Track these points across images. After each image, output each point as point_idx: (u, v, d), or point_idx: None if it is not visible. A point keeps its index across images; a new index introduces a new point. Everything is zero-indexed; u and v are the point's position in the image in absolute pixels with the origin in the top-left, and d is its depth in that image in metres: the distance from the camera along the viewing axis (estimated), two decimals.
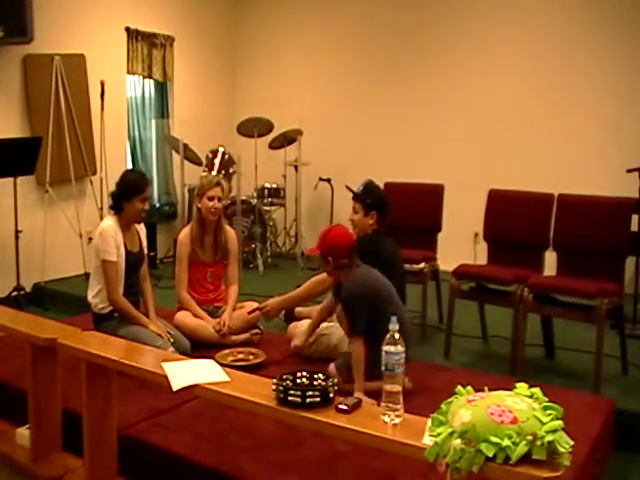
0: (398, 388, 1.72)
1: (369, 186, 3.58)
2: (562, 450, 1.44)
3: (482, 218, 4.09)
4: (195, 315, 3.70)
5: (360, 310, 2.83)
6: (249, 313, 3.71)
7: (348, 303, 2.92)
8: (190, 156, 6.33)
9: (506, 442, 1.43)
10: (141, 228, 3.61)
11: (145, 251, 3.63)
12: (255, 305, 3.82)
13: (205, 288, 3.84)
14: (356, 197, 3.53)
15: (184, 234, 3.81)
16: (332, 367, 3.03)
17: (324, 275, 3.44)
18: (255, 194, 6.34)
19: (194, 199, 3.92)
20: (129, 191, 3.39)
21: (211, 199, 3.72)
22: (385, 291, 2.91)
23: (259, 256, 6.11)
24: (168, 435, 2.57)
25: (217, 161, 6.13)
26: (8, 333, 2.87)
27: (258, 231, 6.19)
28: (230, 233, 3.89)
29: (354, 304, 2.87)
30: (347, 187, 3.75)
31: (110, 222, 3.40)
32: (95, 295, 3.43)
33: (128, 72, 6.28)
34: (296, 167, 6.47)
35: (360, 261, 2.97)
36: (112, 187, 3.49)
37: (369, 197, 3.50)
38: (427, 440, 1.58)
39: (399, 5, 6.36)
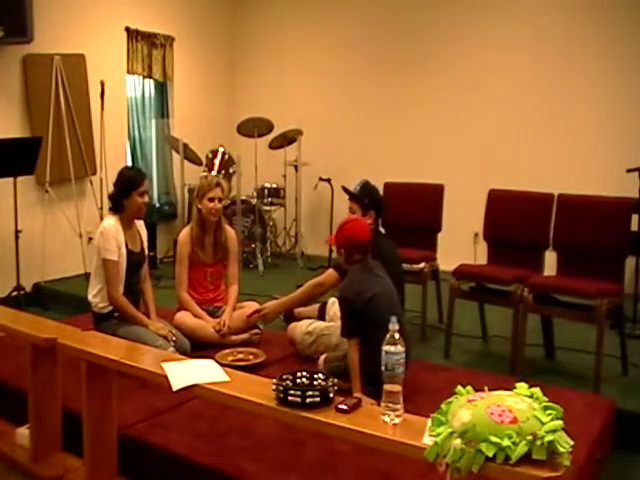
0: (398, 388, 1.72)
1: (366, 186, 3.59)
2: (562, 450, 1.44)
3: (482, 218, 4.09)
4: (195, 315, 3.70)
5: (347, 313, 2.83)
6: (248, 316, 3.71)
7: (339, 302, 2.94)
8: (190, 156, 6.33)
9: (506, 442, 1.43)
10: (142, 228, 3.61)
11: (146, 252, 3.62)
12: (255, 306, 3.82)
13: (205, 288, 3.84)
14: (353, 197, 3.53)
15: (184, 234, 3.81)
16: (322, 359, 3.06)
17: (322, 278, 3.44)
18: (255, 194, 6.34)
19: (194, 200, 3.92)
20: (127, 187, 3.39)
21: (211, 200, 3.72)
22: (376, 309, 2.75)
23: (259, 256, 6.11)
24: (168, 435, 2.57)
25: (217, 161, 6.13)
26: (8, 333, 2.87)
27: (258, 231, 6.19)
28: (230, 233, 3.89)
29: (343, 306, 2.88)
30: (344, 188, 3.73)
31: (111, 221, 3.40)
32: (95, 294, 3.42)
33: (128, 72, 6.28)
34: (296, 167, 6.47)
35: (372, 261, 2.94)
36: (112, 187, 3.49)
37: (366, 197, 3.51)
38: (427, 440, 1.58)
39: (399, 5, 6.36)
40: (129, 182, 3.40)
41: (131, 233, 3.48)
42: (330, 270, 3.40)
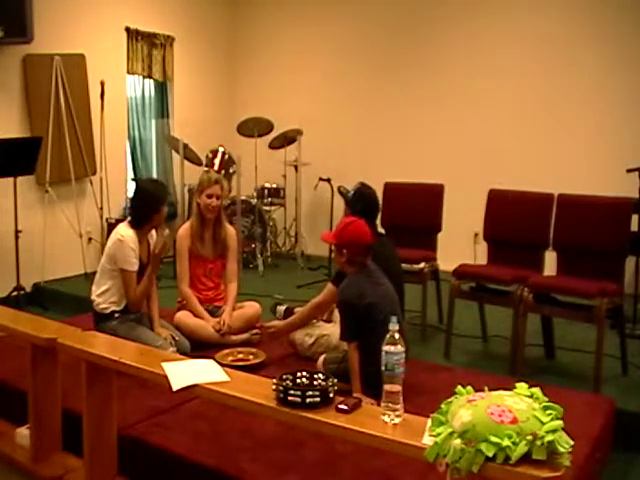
0: (398, 388, 1.72)
1: (360, 191, 3.54)
2: (562, 450, 1.44)
3: (482, 218, 4.09)
4: (195, 312, 3.69)
5: (348, 317, 2.82)
6: (254, 333, 3.70)
7: (338, 305, 2.94)
8: (190, 156, 6.33)
9: (506, 442, 1.43)
10: (151, 235, 3.56)
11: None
12: (256, 306, 3.84)
13: (205, 286, 3.84)
14: (346, 202, 3.53)
15: (184, 228, 3.83)
16: (321, 360, 3.07)
17: (320, 297, 3.32)
18: (255, 194, 6.35)
19: (194, 194, 3.94)
20: (155, 204, 3.42)
21: (209, 197, 3.73)
22: (377, 313, 2.75)
23: (259, 256, 6.11)
24: (168, 435, 2.57)
25: (217, 161, 6.13)
26: (8, 333, 2.87)
27: (258, 231, 6.19)
28: (229, 230, 3.89)
29: (343, 309, 2.87)
30: (339, 191, 3.70)
31: (130, 232, 3.37)
32: (100, 294, 3.40)
33: (128, 72, 6.29)
34: (296, 167, 6.47)
35: (373, 265, 2.93)
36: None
37: (359, 203, 3.44)
38: (427, 440, 1.58)
39: (399, 6, 6.36)
40: (154, 197, 3.43)
41: (142, 245, 3.45)
42: (329, 286, 3.25)
